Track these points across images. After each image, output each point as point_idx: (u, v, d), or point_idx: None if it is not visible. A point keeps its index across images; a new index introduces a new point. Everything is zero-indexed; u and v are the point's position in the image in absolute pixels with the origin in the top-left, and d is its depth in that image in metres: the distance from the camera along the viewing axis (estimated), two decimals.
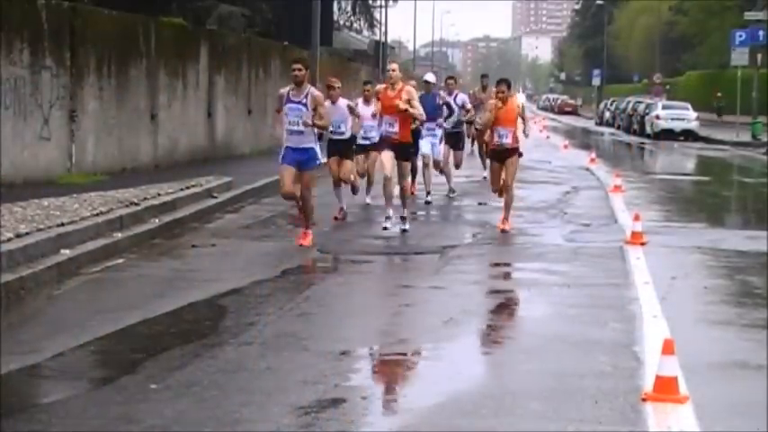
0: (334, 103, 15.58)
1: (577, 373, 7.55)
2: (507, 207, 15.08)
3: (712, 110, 61.19)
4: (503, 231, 14.71)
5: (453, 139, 20.03)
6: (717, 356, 8.21)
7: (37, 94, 17.34)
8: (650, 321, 9.19)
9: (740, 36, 46.63)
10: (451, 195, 19.39)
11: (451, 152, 20.16)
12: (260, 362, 7.77)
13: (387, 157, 14.56)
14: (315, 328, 9.10)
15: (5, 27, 16.44)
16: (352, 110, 15.92)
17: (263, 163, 18.23)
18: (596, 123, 70.48)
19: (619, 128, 58.76)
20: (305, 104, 12.98)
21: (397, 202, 14.66)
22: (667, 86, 70.27)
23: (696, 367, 7.60)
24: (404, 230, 14.40)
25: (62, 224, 12.13)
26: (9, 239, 10.81)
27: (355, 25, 61.04)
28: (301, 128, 12.98)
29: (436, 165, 18.99)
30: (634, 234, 13.92)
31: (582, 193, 21.17)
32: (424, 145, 17.97)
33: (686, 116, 49.10)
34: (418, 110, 14.45)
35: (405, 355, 8.14)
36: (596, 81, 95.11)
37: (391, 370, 7.82)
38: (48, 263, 10.77)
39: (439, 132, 18.73)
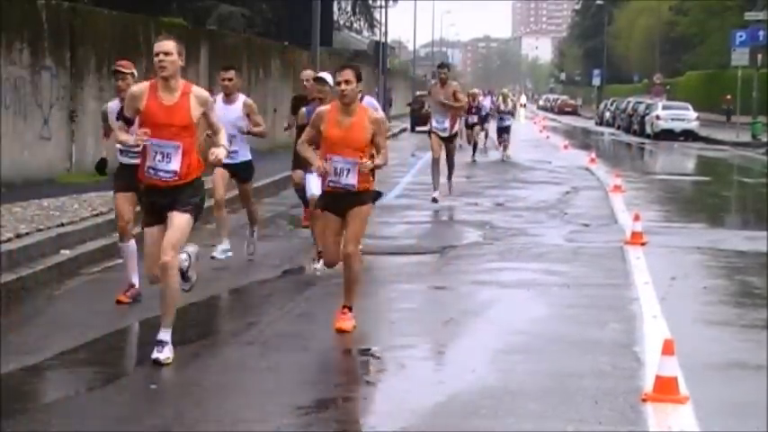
0: (123, 100, 8.91)
1: (577, 373, 7.55)
2: (350, 289, 8.88)
3: (714, 110, 61.04)
4: (339, 331, 8.71)
5: None
6: (716, 357, 8.20)
7: (37, 94, 17.34)
8: (650, 321, 9.19)
9: (740, 36, 46.64)
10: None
11: None
12: (260, 362, 7.77)
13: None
14: (315, 328, 9.09)
15: (5, 27, 16.44)
16: None
17: (262, 163, 18.16)
18: (596, 123, 70.47)
19: (619, 128, 58.75)
20: None
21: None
22: (667, 87, 70.25)
23: (696, 367, 7.60)
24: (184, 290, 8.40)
25: (62, 224, 12.14)
26: (9, 239, 10.82)
27: (355, 25, 61.06)
28: None
29: None
30: (634, 234, 13.93)
31: (582, 193, 21.17)
32: (312, 183, 11.41)
33: (686, 116, 49.11)
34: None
35: (405, 355, 8.14)
36: (596, 81, 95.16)
37: (391, 370, 7.82)
38: (48, 263, 10.78)
39: None
